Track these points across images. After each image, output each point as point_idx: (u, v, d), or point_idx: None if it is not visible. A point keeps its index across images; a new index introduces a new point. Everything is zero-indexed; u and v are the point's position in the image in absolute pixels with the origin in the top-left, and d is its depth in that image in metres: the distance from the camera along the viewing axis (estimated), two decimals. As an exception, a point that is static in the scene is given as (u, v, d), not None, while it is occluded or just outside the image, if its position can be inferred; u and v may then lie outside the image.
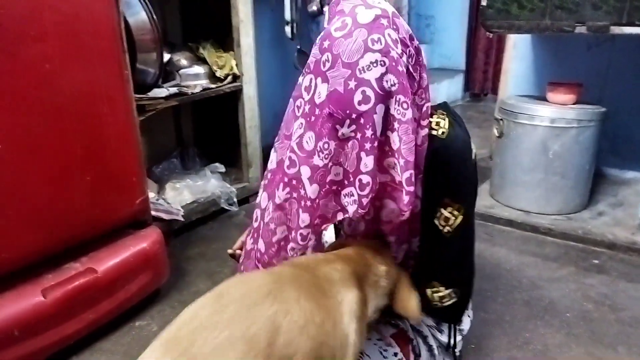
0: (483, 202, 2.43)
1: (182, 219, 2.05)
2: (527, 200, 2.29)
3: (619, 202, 2.43)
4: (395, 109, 0.87)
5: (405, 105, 0.87)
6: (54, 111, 1.26)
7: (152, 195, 2.08)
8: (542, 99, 2.27)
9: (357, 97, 0.84)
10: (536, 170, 2.22)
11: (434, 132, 1.00)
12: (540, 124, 2.14)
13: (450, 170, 1.01)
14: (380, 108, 0.85)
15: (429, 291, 1.06)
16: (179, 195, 2.19)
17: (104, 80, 1.38)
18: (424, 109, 0.98)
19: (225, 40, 2.27)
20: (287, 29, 2.96)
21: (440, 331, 1.23)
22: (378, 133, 0.86)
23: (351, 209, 0.92)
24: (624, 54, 2.55)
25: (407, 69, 0.90)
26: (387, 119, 0.88)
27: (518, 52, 2.74)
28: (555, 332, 1.51)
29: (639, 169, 2.60)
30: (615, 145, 2.66)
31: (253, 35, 2.28)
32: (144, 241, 1.57)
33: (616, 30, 1.86)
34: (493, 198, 2.46)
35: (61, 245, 1.38)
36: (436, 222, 1.03)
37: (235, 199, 2.37)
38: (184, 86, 2.07)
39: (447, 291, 1.07)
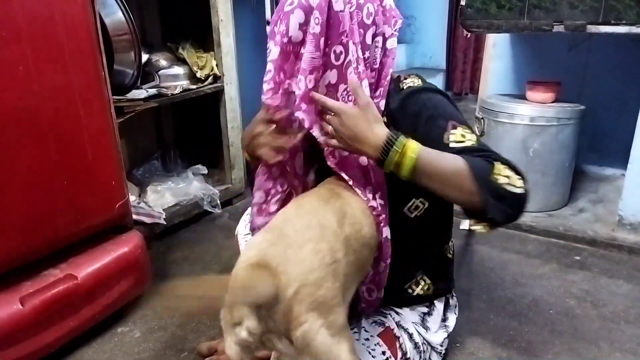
0: (466, 200, 2.45)
1: (164, 223, 2.02)
2: (509, 198, 2.31)
3: (599, 198, 2.47)
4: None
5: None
6: (28, 114, 1.23)
7: (133, 198, 2.05)
8: (522, 97, 2.30)
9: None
10: (517, 168, 2.24)
11: (410, 84, 1.07)
12: (520, 122, 2.17)
13: (437, 101, 1.04)
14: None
15: (495, 164, 0.92)
16: (160, 198, 2.16)
17: (80, 82, 1.34)
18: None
19: (206, 41, 2.25)
20: (269, 28, 2.94)
21: (426, 328, 1.23)
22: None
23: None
24: (601, 53, 2.59)
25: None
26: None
27: (497, 51, 2.77)
28: (539, 329, 1.52)
29: (617, 166, 2.65)
30: (594, 142, 2.71)
31: (233, 35, 2.26)
32: (125, 246, 1.53)
33: (593, 29, 1.89)
34: (475, 196, 2.47)
35: (39, 252, 1.34)
36: (453, 144, 0.98)
37: (218, 201, 2.34)
38: (163, 87, 2.04)
39: (512, 172, 0.92)
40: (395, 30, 1.08)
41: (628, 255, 1.99)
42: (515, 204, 0.91)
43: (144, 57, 2.01)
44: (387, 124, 1.02)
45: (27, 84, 1.21)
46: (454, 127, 0.99)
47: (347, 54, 0.99)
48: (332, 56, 0.99)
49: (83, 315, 1.41)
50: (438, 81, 5.21)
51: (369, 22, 1.02)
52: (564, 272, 1.86)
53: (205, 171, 2.43)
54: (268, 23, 2.99)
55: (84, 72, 1.36)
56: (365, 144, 0.96)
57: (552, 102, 2.20)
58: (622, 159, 2.03)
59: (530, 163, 2.21)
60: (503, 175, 0.90)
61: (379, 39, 1.05)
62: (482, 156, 0.93)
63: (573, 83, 2.53)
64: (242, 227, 1.51)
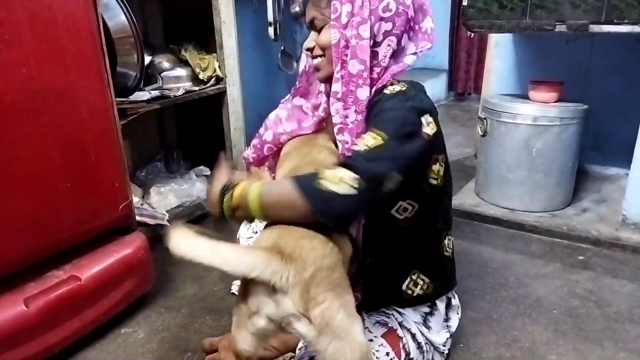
0: (469, 200, 2.44)
1: (168, 224, 2.02)
2: (512, 198, 2.31)
3: (603, 198, 2.46)
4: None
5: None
6: (30, 115, 1.23)
7: (136, 200, 2.06)
8: (525, 97, 2.29)
9: None
10: (520, 169, 2.24)
11: (386, 92, 1.06)
12: (523, 122, 2.16)
13: (389, 110, 1.03)
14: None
15: (322, 171, 0.95)
16: (164, 200, 2.17)
17: (83, 84, 1.35)
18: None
19: (208, 42, 2.25)
20: (270, 30, 2.94)
21: (428, 327, 1.23)
22: None
23: None
24: (604, 52, 2.59)
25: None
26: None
27: (500, 50, 2.76)
28: (543, 329, 1.52)
29: (620, 165, 2.64)
30: (597, 142, 2.70)
31: (236, 37, 2.27)
32: (128, 247, 1.54)
33: (595, 28, 1.88)
34: (479, 196, 2.47)
35: (43, 253, 1.35)
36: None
37: (221, 202, 2.34)
38: (166, 89, 2.05)
39: (344, 173, 0.93)
40: (420, 51, 1.11)
41: (632, 255, 1.98)
42: (346, 204, 0.91)
43: (147, 59, 2.02)
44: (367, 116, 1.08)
45: (30, 85, 1.22)
46: (368, 132, 1.01)
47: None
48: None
49: (87, 316, 1.41)
50: (441, 81, 5.20)
51: (383, 14, 1.04)
52: (568, 272, 1.86)
53: (208, 172, 2.44)
54: (270, 24, 2.99)
55: (86, 74, 1.36)
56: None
57: (555, 102, 2.19)
58: (625, 159, 2.02)
59: (533, 163, 2.21)
60: (332, 180, 0.91)
61: (393, 39, 1.06)
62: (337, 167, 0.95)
63: (576, 82, 2.53)
64: (244, 231, 1.52)
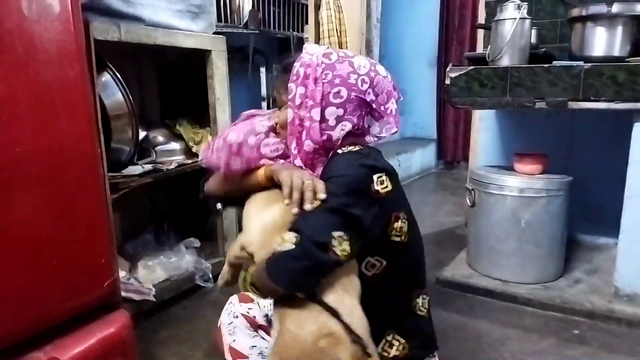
0: (462, 271, 2.43)
1: (154, 299, 1.98)
2: (504, 269, 2.30)
3: (594, 268, 2.45)
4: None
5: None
6: (22, 192, 1.24)
7: (123, 274, 2.02)
8: (511, 168, 2.35)
9: None
10: (510, 239, 2.25)
11: (339, 151, 1.14)
12: (509, 193, 2.20)
13: (331, 174, 1.10)
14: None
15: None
16: (151, 274, 2.13)
17: (75, 162, 1.37)
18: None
19: (203, 117, 2.32)
20: (264, 104, 3.06)
21: None
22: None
23: None
24: (585, 125, 2.69)
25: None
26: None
27: (484, 124, 2.86)
28: (541, 411, 1.46)
29: (610, 235, 2.65)
30: (585, 211, 2.73)
31: (229, 112, 2.34)
32: (111, 326, 1.49)
33: (574, 105, 1.97)
34: (471, 267, 2.46)
35: (22, 334, 1.30)
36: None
37: (210, 275, 2.31)
38: (159, 162, 2.08)
39: (290, 235, 1.04)
40: (383, 135, 1.20)
41: (628, 329, 1.94)
42: (291, 259, 1.00)
43: (142, 134, 2.07)
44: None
45: (22, 163, 1.23)
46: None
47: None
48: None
49: (65, 401, 1.34)
50: (430, 150, 5.33)
51: (334, 100, 1.12)
52: (564, 347, 1.82)
53: (198, 244, 2.41)
54: (263, 99, 3.11)
55: (80, 152, 1.38)
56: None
57: (540, 174, 2.24)
58: (614, 228, 2.04)
59: (522, 234, 2.22)
60: (277, 241, 1.02)
61: (346, 124, 1.14)
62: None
63: (560, 154, 2.60)
64: (225, 317, 1.48)
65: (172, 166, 2.05)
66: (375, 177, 1.07)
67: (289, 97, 1.15)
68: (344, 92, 1.12)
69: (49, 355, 1.33)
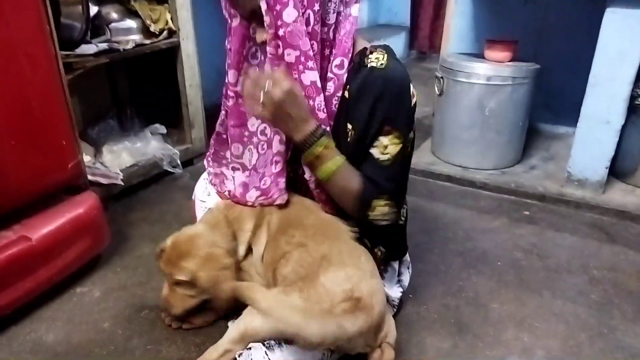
0: (424, 159, 2.50)
1: (122, 183, 1.98)
2: (465, 157, 2.39)
3: (551, 156, 2.57)
4: None
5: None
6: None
7: (88, 159, 2.00)
8: (481, 56, 2.32)
9: None
10: (473, 128, 2.30)
11: (373, 64, 1.09)
12: (477, 81, 2.20)
13: (390, 97, 1.08)
14: None
15: (375, 202, 1.12)
16: (117, 159, 2.11)
17: (22, 36, 1.27)
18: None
19: (160, -8, 2.14)
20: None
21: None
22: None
23: None
24: (558, 11, 2.63)
25: None
26: None
27: (459, 7, 2.76)
28: (487, 280, 1.61)
29: (570, 124, 2.73)
30: (548, 101, 2.79)
31: (188, -15, 2.16)
32: (79, 207, 1.51)
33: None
34: (434, 155, 2.54)
35: (-12, 213, 1.31)
36: (374, 151, 1.12)
37: (178, 161, 2.31)
38: (115, 42, 1.95)
39: (389, 210, 1.14)
40: None
41: (574, 210, 2.10)
42: (379, 227, 1.16)
43: (93, 9, 1.91)
44: (346, 99, 1.11)
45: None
46: (386, 133, 1.09)
47: None
48: None
49: (39, 276, 1.39)
50: (401, 39, 5.17)
51: None
52: (514, 227, 1.96)
53: (164, 131, 2.37)
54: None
55: (26, 25, 1.28)
56: (298, 127, 1.07)
57: (509, 61, 2.24)
58: (574, 118, 2.10)
59: (485, 122, 2.27)
60: (379, 213, 1.13)
61: None
62: (379, 185, 1.11)
63: (530, 41, 2.57)
64: (200, 192, 1.51)
65: (129, 46, 1.93)
66: (413, 90, 1.15)
67: None
68: None
69: (19, 234, 1.36)
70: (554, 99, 2.79)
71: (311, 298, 1.03)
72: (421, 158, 2.50)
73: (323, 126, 1.10)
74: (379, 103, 1.08)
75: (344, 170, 1.11)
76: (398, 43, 5.09)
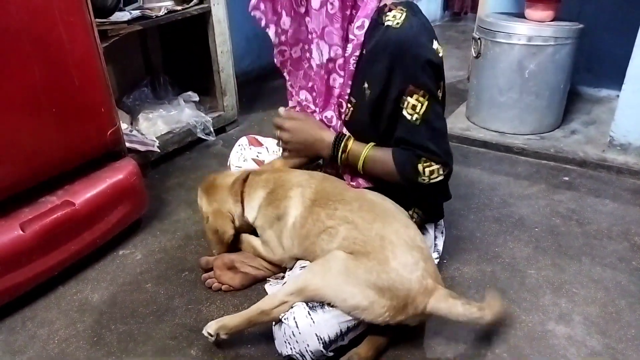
0: (459, 124, 2.45)
1: (158, 150, 2.02)
2: (502, 121, 2.32)
3: (592, 120, 2.47)
4: None
5: None
6: (8, 39, 1.19)
7: (124, 126, 2.03)
8: (521, 16, 2.22)
9: None
10: (511, 91, 2.23)
11: (390, 23, 1.08)
12: (517, 42, 2.12)
13: (406, 56, 1.07)
14: None
15: (420, 166, 1.13)
16: (152, 126, 2.15)
17: (61, 5, 1.29)
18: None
19: (190, -42, 2.12)
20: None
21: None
22: None
23: None
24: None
25: None
26: None
27: (498, -36, 2.63)
28: (524, 246, 1.59)
29: (612, 87, 2.62)
30: (590, 63, 2.66)
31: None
32: (119, 173, 1.55)
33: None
34: (469, 120, 2.47)
35: (34, 179, 1.36)
36: (404, 112, 1.12)
37: (211, 128, 2.34)
38: (147, 9, 1.95)
39: (436, 166, 1.14)
40: None
41: (616, 176, 2.03)
42: (435, 185, 1.16)
43: (125, -24, 1.91)
44: (363, 58, 1.13)
45: (5, 6, 1.16)
46: (411, 94, 1.08)
47: None
48: None
49: (83, 239, 1.45)
50: (436, 0, 4.99)
51: None
52: (552, 192, 1.91)
53: (197, 98, 2.39)
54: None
55: (62, -7, 1.29)
56: (318, 147, 1.24)
57: (551, 21, 2.13)
58: (617, 80, 2.00)
59: (525, 85, 2.19)
60: (426, 175, 1.14)
61: None
62: (414, 147, 1.12)
63: (573, 0, 2.44)
64: (235, 159, 1.53)
65: (162, 12, 1.93)
66: (435, 45, 1.12)
67: None
68: None
69: (63, 199, 1.41)
70: (596, 60, 2.66)
71: (382, 282, 1.04)
72: (456, 123, 2.44)
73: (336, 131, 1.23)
74: (396, 63, 1.07)
75: (374, 155, 1.18)
76: (432, 4, 4.92)
